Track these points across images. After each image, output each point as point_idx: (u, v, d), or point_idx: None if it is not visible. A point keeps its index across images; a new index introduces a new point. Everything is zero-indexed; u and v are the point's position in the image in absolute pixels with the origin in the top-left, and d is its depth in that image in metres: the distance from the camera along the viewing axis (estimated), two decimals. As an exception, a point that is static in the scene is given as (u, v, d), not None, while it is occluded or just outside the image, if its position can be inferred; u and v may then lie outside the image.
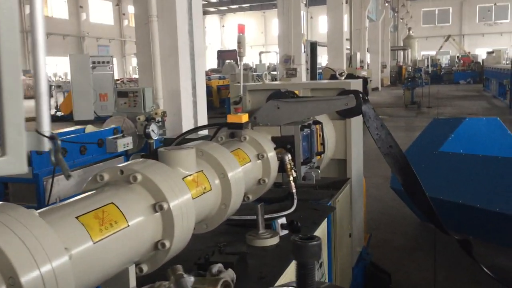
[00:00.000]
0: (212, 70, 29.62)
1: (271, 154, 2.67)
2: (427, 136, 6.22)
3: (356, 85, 3.72)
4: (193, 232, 2.21)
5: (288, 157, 2.77)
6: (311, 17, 50.48)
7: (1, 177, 5.54)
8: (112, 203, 1.56)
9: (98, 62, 18.47)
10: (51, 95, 22.73)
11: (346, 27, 25.03)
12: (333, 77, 16.81)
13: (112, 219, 1.51)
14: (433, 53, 47.00)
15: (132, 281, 1.67)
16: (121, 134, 6.94)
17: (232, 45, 53.41)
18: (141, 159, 1.87)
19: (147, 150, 5.93)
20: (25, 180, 5.15)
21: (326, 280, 2.88)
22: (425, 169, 5.51)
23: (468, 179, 4.98)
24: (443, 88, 32.00)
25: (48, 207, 1.44)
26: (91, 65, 18.13)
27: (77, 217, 1.41)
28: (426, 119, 14.10)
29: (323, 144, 3.23)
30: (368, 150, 4.54)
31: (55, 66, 41.85)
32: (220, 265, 1.78)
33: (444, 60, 48.79)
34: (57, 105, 21.43)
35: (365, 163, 4.19)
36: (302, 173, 2.92)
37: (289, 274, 2.14)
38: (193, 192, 1.96)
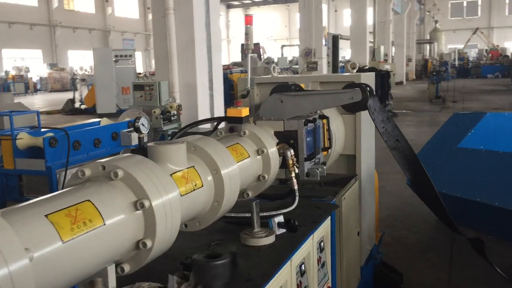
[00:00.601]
0: (235, 64, 29.57)
1: (272, 150, 2.58)
2: (446, 131, 6.04)
3: (367, 78, 3.60)
4: (186, 229, 2.15)
5: (290, 152, 2.68)
6: (336, 10, 49.99)
7: (15, 170, 5.56)
8: (89, 200, 1.50)
9: (121, 56, 18.59)
10: (75, 89, 23.07)
11: (370, 20, 24.66)
12: (355, 70, 16.59)
13: (86, 217, 1.44)
14: (460, 46, 46.01)
15: (112, 281, 1.61)
16: (136, 128, 6.92)
17: (256, 39, 53.21)
18: (127, 154, 1.80)
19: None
20: (39, 172, 5.18)
21: (330, 280, 2.78)
22: (443, 165, 5.35)
23: (487, 176, 4.80)
24: (470, 82, 31.35)
25: (18, 205, 1.38)
26: (114, 59, 18.26)
27: (46, 216, 1.35)
28: (450, 114, 13.77)
29: (329, 139, 3.13)
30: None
31: (81, 60, 42.52)
32: (204, 265, 1.71)
33: (472, 54, 47.80)
34: (81, 98, 21.72)
35: (383, 158, 4.06)
36: (305, 169, 2.83)
37: (283, 276, 2.06)
38: (182, 189, 1.89)
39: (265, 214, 2.39)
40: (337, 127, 3.45)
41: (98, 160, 1.69)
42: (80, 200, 1.48)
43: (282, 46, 27.58)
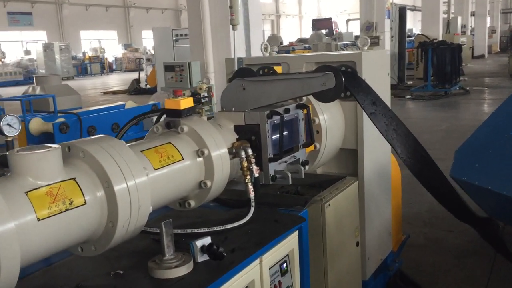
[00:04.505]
0: (300, 40, 28.75)
1: (217, 150, 2.09)
2: (502, 115, 5.16)
3: (371, 56, 2.97)
4: (82, 254, 1.74)
5: (246, 152, 2.17)
6: (414, -20, 47.29)
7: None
8: None
9: (181, 35, 18.44)
10: (141, 69, 23.43)
11: (448, -11, 22.90)
12: (421, 44, 15.40)
13: None
14: (554, 15, 42.06)
15: None
16: (160, 111, 6.59)
17: (329, 13, 51.63)
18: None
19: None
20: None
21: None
22: (492, 156, 4.54)
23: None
24: (562, 54, 28.46)
25: None
26: (174, 38, 18.19)
27: None
28: (529, 91, 12.37)
29: (312, 132, 2.58)
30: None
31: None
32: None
33: None
34: (146, 78, 22.01)
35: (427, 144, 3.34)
36: (271, 172, 2.30)
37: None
38: (44, 211, 1.46)
39: (208, 230, 1.92)
40: (334, 116, 2.88)
41: None
42: None
43: (348, 20, 26.36)
